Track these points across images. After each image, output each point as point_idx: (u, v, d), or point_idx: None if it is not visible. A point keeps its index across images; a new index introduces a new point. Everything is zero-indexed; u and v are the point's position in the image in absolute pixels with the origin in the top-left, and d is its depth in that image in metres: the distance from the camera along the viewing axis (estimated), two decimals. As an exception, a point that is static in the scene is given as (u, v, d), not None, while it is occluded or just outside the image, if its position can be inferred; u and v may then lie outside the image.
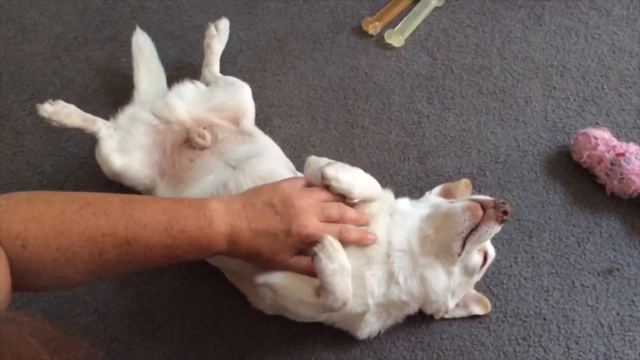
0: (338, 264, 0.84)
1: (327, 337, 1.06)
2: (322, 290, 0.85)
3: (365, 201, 0.96)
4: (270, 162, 1.06)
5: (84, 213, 0.75)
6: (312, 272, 0.86)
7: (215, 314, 1.10)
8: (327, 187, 0.91)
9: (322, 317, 0.97)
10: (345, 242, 0.88)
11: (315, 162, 0.95)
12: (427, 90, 1.36)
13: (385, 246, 0.95)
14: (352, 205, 0.94)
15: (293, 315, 0.97)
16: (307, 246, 0.86)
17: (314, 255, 0.84)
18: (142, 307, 1.11)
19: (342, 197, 0.93)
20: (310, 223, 0.85)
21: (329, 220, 0.88)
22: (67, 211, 0.74)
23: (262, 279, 0.90)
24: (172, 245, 0.80)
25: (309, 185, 0.93)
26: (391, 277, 0.95)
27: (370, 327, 1.00)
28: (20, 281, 0.70)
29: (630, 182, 1.15)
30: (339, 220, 0.90)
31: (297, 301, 0.89)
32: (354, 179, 0.93)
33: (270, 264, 0.89)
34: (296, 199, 0.86)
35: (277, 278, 0.89)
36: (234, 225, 0.83)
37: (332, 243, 0.84)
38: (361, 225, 0.94)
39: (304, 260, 0.88)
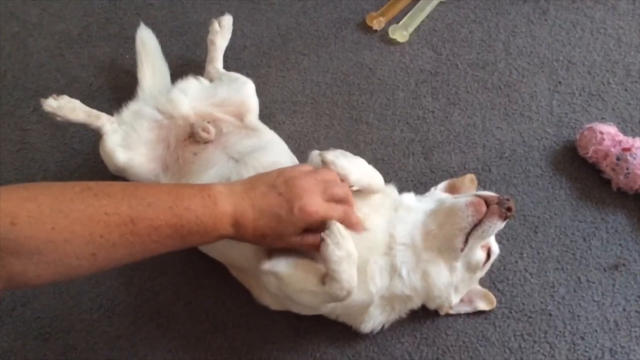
0: (345, 251, 0.83)
1: (332, 333, 1.06)
2: (327, 278, 0.85)
3: (365, 193, 0.96)
4: (274, 155, 1.05)
5: (85, 195, 0.72)
6: (318, 248, 0.85)
7: (220, 310, 1.10)
8: None
9: (326, 308, 0.97)
10: (347, 225, 0.88)
11: (318, 156, 0.94)
12: (431, 86, 1.35)
13: (387, 238, 0.95)
14: None
15: (297, 307, 0.97)
16: (311, 225, 0.85)
17: (321, 241, 0.84)
18: (147, 303, 1.11)
19: None
20: (313, 201, 0.83)
21: (333, 199, 0.87)
22: (66, 193, 0.71)
23: (267, 266, 0.89)
24: (178, 224, 0.77)
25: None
26: (394, 269, 0.95)
27: (373, 320, 1.00)
28: (5, 269, 0.65)
29: (636, 177, 1.14)
30: (344, 199, 0.89)
31: (301, 289, 0.88)
32: (352, 165, 0.92)
33: (276, 246, 0.88)
34: (299, 179, 0.85)
35: (282, 266, 0.88)
36: (238, 205, 0.82)
37: (339, 230, 0.84)
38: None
39: (310, 238, 0.86)
